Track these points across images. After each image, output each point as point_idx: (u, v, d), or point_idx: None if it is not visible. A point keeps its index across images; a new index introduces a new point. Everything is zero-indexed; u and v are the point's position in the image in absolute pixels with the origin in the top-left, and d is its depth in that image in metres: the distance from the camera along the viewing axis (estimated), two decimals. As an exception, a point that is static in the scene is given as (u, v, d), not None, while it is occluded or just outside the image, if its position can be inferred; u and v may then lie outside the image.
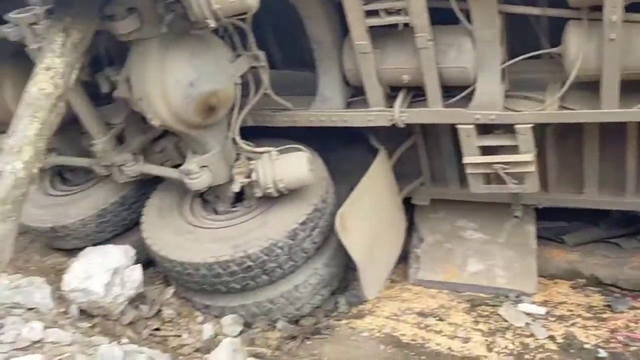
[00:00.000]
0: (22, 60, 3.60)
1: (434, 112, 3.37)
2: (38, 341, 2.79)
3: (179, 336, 3.59)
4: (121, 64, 3.29)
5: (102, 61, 3.45)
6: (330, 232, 3.77)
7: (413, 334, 3.52)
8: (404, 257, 4.17)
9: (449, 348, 3.39)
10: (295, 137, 3.82)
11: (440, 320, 3.63)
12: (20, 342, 2.74)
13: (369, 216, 3.73)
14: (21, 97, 3.71)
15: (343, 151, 4.29)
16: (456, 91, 3.35)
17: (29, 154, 2.55)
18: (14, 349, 2.70)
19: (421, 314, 3.69)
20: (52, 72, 2.61)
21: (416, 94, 3.51)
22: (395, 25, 3.13)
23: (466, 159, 3.43)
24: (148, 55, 3.06)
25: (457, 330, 3.52)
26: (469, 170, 3.48)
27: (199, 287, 3.62)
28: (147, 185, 4.11)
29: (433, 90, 3.30)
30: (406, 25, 3.12)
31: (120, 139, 3.83)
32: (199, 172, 3.47)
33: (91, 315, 3.39)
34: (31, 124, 2.54)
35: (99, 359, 2.82)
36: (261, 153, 3.52)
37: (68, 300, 3.35)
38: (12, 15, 3.07)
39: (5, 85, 3.77)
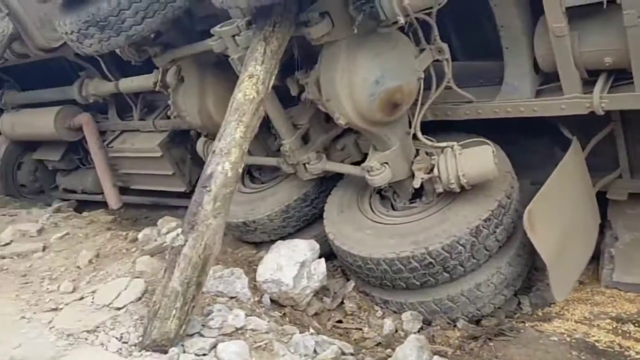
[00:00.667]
0: (222, 71, 3.96)
1: (643, 96, 3.06)
2: (240, 328, 3.03)
3: (360, 329, 3.67)
4: (308, 68, 3.44)
5: (290, 66, 3.63)
6: (514, 230, 3.61)
7: (609, 340, 3.26)
8: (594, 257, 3.84)
9: (652, 358, 3.08)
10: (469, 130, 3.72)
11: (641, 327, 3.30)
12: (226, 328, 2.99)
13: (560, 213, 3.48)
14: (220, 103, 4.11)
15: (524, 143, 4.06)
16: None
17: (235, 155, 2.79)
18: (220, 334, 2.95)
19: (618, 319, 3.40)
20: (255, 79, 2.82)
21: (617, 77, 3.23)
22: (596, 4, 2.90)
23: (679, 148, 3.06)
24: (337, 56, 3.17)
25: (662, 339, 3.18)
26: (682, 161, 3.10)
27: (379, 282, 3.68)
28: (326, 182, 4.28)
29: (642, 73, 2.99)
30: (610, 2, 2.87)
31: (304, 139, 4.03)
32: (380, 169, 3.52)
33: (281, 305, 3.59)
34: (237, 127, 2.77)
35: (293, 347, 2.99)
36: (443, 148, 3.46)
37: (261, 290, 3.58)
38: (217, 29, 3.36)
39: (208, 94, 4.16)
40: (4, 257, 4.22)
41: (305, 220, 4.36)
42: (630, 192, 3.83)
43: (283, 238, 4.16)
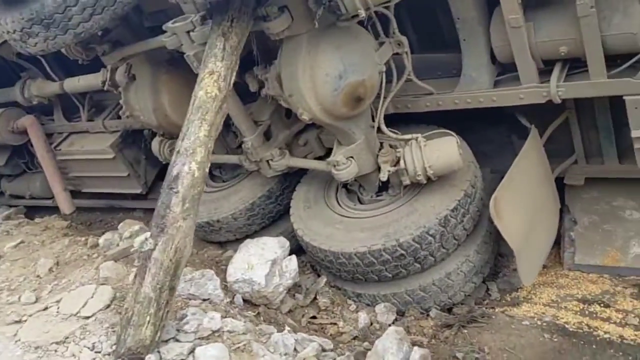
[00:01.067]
0: (176, 68, 3.83)
1: (597, 84, 3.14)
2: (217, 330, 2.96)
3: (335, 324, 3.65)
4: (268, 63, 3.38)
5: (248, 62, 3.54)
6: (479, 218, 3.66)
7: (578, 322, 3.34)
8: (554, 241, 3.93)
9: (621, 336, 3.18)
10: (427, 121, 3.74)
11: (607, 306, 3.41)
12: (202, 331, 2.91)
13: (524, 199, 3.55)
14: (176, 101, 3.97)
15: (482, 132, 4.13)
16: (620, 60, 3.10)
17: (201, 155, 2.70)
18: (197, 338, 2.87)
19: (584, 300, 3.49)
20: (216, 76, 2.73)
21: (572, 65, 3.30)
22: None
23: (635, 133, 3.17)
24: (298, 51, 3.11)
25: (628, 317, 3.29)
26: (637, 145, 3.21)
27: (351, 276, 3.67)
28: (289, 178, 4.23)
29: (595, 61, 3.08)
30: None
31: (266, 135, 3.96)
32: (346, 163, 3.50)
33: (254, 305, 3.53)
34: (201, 126, 2.68)
35: (272, 347, 2.94)
36: (408, 140, 3.47)
37: (232, 291, 3.51)
38: (170, 25, 3.24)
39: (162, 92, 4.03)
40: (-45, 270, 3.98)
41: (270, 217, 4.31)
42: (586, 176, 3.93)
43: (248, 236, 4.11)
